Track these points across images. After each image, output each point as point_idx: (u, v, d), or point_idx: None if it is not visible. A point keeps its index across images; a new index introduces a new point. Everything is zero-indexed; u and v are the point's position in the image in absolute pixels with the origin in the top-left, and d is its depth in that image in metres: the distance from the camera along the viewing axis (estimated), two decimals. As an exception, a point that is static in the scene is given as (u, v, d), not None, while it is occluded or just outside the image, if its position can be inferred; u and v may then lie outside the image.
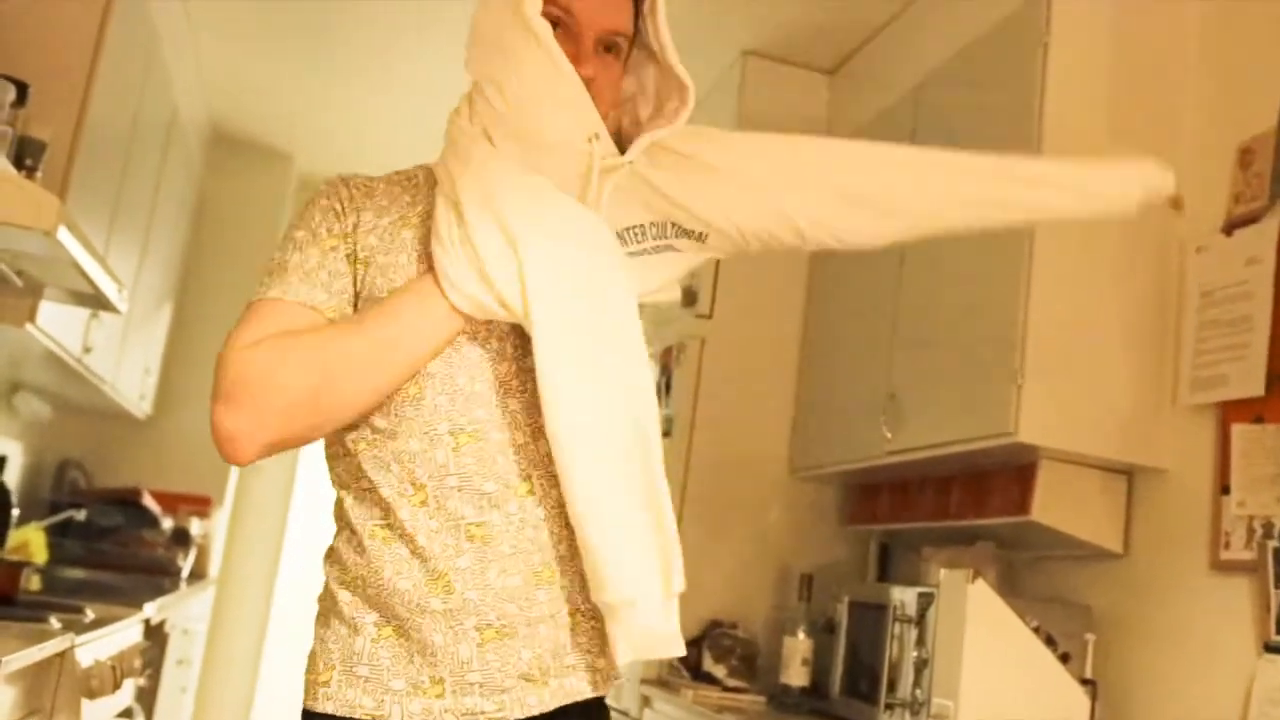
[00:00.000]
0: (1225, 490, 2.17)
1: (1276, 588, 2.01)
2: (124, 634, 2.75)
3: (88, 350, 3.24)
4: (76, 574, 3.75)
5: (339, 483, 1.36)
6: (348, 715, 1.26)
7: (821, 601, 3.05)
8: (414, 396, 1.30)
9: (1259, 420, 2.12)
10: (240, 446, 1.23)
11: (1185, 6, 2.50)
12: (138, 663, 2.82)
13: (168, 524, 4.29)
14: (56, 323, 2.93)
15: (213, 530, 4.76)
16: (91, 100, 2.85)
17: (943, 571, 2.33)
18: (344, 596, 1.31)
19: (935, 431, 2.58)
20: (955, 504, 2.71)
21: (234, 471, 5.03)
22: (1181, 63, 2.48)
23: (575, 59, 1.31)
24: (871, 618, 2.65)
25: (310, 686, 1.30)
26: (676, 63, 1.40)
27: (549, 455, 1.29)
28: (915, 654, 2.42)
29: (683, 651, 1.32)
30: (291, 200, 5.36)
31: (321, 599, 1.37)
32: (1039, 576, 2.67)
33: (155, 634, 3.34)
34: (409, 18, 3.76)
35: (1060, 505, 2.38)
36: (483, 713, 1.27)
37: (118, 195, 3.33)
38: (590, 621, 1.34)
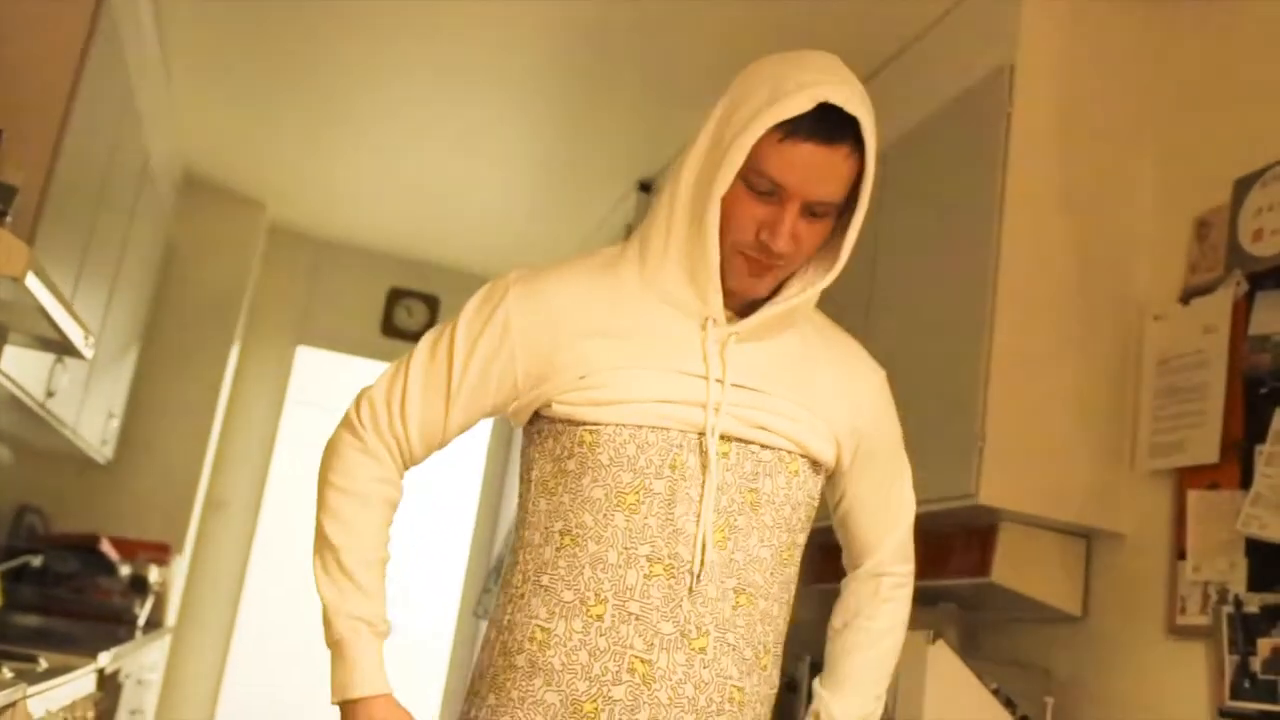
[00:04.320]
0: (1181, 555, 2.19)
1: (1231, 653, 2.03)
2: (77, 684, 2.71)
3: (51, 394, 3.22)
4: (31, 620, 3.69)
5: (524, 574, 1.37)
6: None
7: (783, 660, 3.04)
8: (630, 505, 1.31)
9: (1214, 487, 2.16)
10: None
11: (1145, 81, 2.56)
12: (90, 714, 2.77)
13: (125, 571, 4.23)
14: (20, 366, 2.90)
15: (171, 578, 4.70)
16: (64, 146, 2.85)
17: (904, 632, 2.34)
18: (491, 698, 1.34)
19: (898, 492, 2.59)
20: (917, 564, 2.72)
21: (194, 519, 4.97)
22: (1142, 136, 2.54)
23: (772, 229, 1.31)
24: (833, 677, 2.64)
25: None
26: (848, 242, 1.38)
27: (734, 620, 1.31)
28: (876, 715, 2.41)
29: None
30: (262, 248, 5.35)
31: (473, 680, 1.40)
32: (999, 638, 2.68)
33: (109, 683, 3.28)
34: (384, 71, 3.80)
35: (1020, 568, 2.40)
36: None
37: (87, 240, 3.32)
38: None
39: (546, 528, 1.36)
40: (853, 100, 1.29)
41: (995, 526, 2.41)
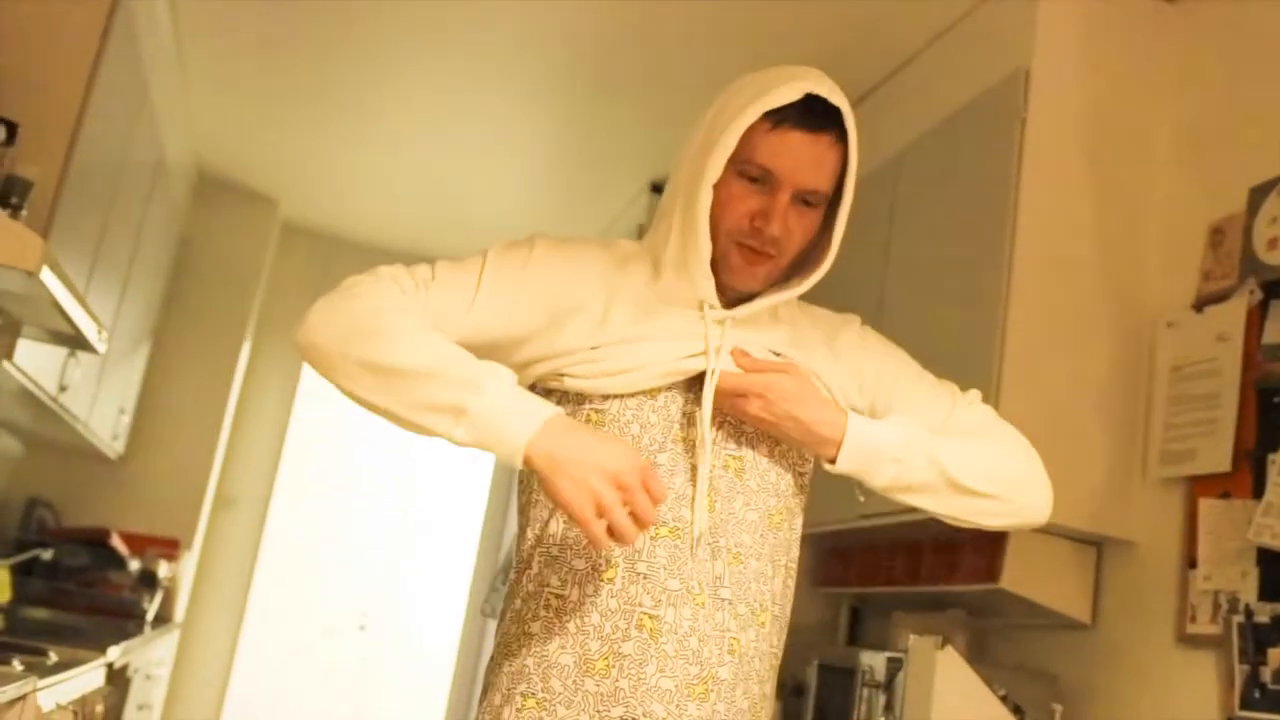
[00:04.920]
0: (1192, 564, 2.19)
1: (1241, 663, 2.03)
2: (86, 678, 2.72)
3: (63, 389, 3.23)
4: (40, 614, 3.70)
5: (537, 541, 1.41)
6: None
7: (791, 663, 3.04)
8: None
9: (1226, 496, 2.15)
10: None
11: (1161, 87, 2.56)
12: (99, 708, 2.78)
13: (135, 566, 4.24)
14: (33, 361, 2.92)
15: (180, 573, 4.72)
16: (80, 141, 2.86)
17: (912, 637, 2.34)
18: (506, 666, 1.37)
19: (908, 496, 2.59)
20: (926, 570, 2.72)
21: (204, 514, 4.99)
22: (1156, 142, 2.53)
23: (765, 215, 1.37)
24: (840, 681, 2.64)
25: None
26: (838, 231, 1.44)
27: (725, 576, 1.36)
28: (883, 719, 2.41)
29: None
30: (274, 245, 5.37)
31: (490, 660, 1.42)
32: (1008, 645, 2.68)
33: (117, 678, 3.29)
34: (397, 71, 3.80)
35: (1029, 574, 2.39)
36: None
37: (101, 235, 3.34)
38: None
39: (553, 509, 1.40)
40: (835, 93, 1.39)
41: (1005, 533, 2.40)
